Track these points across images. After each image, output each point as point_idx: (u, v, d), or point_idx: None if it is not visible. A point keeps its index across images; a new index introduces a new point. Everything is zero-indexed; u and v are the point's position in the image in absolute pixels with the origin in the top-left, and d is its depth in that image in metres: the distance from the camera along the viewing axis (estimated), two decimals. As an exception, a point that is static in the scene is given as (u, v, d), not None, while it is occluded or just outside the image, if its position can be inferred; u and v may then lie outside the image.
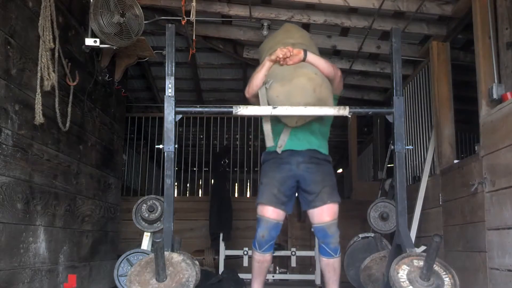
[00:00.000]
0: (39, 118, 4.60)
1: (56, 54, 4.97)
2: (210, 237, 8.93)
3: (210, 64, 9.51)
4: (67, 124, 5.24)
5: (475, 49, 5.48)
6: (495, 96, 5.03)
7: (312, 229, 4.91)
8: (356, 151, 11.16)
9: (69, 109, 5.33)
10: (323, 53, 7.98)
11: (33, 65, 4.67)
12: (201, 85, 10.37)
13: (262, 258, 4.88)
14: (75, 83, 5.43)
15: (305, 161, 4.74)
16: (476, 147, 5.54)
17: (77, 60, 5.68)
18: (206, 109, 5.52)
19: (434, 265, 3.91)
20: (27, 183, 4.59)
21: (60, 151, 5.25)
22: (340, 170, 15.86)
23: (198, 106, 5.78)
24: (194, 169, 12.21)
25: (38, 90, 4.64)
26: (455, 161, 6.23)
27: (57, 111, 5.04)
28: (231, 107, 4.53)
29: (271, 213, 4.73)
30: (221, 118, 11.00)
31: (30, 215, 4.64)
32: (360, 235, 6.46)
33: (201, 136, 12.59)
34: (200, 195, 14.18)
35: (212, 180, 10.04)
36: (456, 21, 6.58)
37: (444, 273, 3.94)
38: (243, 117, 10.34)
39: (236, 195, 12.95)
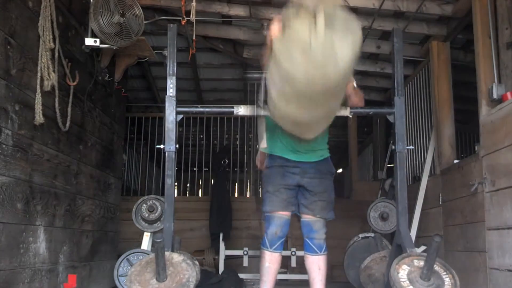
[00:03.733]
0: (39, 118, 4.61)
1: (56, 54, 4.97)
2: (210, 237, 8.93)
3: (210, 64, 9.50)
4: (67, 124, 5.25)
5: (475, 49, 5.48)
6: (495, 96, 5.03)
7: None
8: (356, 151, 11.14)
9: (69, 109, 5.33)
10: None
11: (33, 65, 4.67)
12: (201, 85, 10.37)
13: (273, 258, 4.85)
14: (75, 83, 5.44)
15: (310, 174, 4.74)
16: (476, 147, 5.54)
17: (77, 60, 5.68)
18: (207, 109, 5.53)
19: (435, 265, 3.91)
20: (27, 183, 4.59)
21: (60, 151, 5.25)
22: (340, 170, 15.87)
23: (199, 106, 5.79)
24: (194, 169, 12.18)
25: (38, 90, 4.64)
26: (455, 161, 6.24)
27: (57, 111, 5.05)
28: (232, 107, 4.54)
29: (282, 212, 4.78)
30: (221, 118, 10.97)
31: (30, 215, 4.63)
32: (360, 235, 6.46)
33: (201, 136, 12.57)
34: (200, 195, 14.14)
35: (212, 180, 10.02)
36: (456, 21, 6.59)
37: (445, 273, 3.94)
38: (243, 117, 10.32)
39: (236, 195, 12.88)
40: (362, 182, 11.24)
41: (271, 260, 4.87)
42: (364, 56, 8.17)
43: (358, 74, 8.76)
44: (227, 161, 9.71)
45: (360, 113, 4.72)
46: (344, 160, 14.34)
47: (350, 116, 4.58)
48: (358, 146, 11.56)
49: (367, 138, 12.58)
